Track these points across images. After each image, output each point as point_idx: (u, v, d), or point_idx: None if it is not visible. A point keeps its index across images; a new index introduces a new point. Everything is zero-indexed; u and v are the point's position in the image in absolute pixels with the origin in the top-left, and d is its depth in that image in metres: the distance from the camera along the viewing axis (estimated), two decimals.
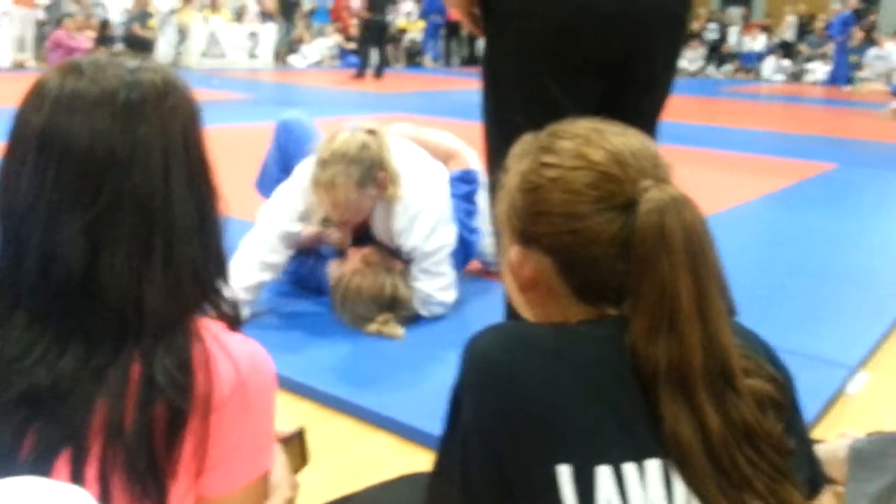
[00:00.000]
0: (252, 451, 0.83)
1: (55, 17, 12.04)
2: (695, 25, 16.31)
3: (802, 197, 4.82)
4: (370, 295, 2.44)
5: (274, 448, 0.90)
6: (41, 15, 12.22)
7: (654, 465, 0.76)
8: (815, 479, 0.90)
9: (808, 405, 2.04)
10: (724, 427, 0.77)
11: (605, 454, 0.75)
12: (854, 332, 2.59)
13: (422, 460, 1.72)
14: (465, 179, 2.84)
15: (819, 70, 15.56)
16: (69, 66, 0.80)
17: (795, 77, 15.95)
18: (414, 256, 2.52)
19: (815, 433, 1.96)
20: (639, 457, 0.76)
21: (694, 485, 0.76)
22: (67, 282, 0.76)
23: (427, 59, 16.48)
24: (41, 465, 0.73)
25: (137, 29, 12.67)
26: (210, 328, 0.82)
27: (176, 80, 0.83)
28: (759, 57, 16.68)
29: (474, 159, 2.85)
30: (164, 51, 12.77)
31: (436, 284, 2.54)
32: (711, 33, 17.16)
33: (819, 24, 16.18)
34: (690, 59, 16.55)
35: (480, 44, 1.73)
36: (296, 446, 1.10)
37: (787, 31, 17.02)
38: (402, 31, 16.43)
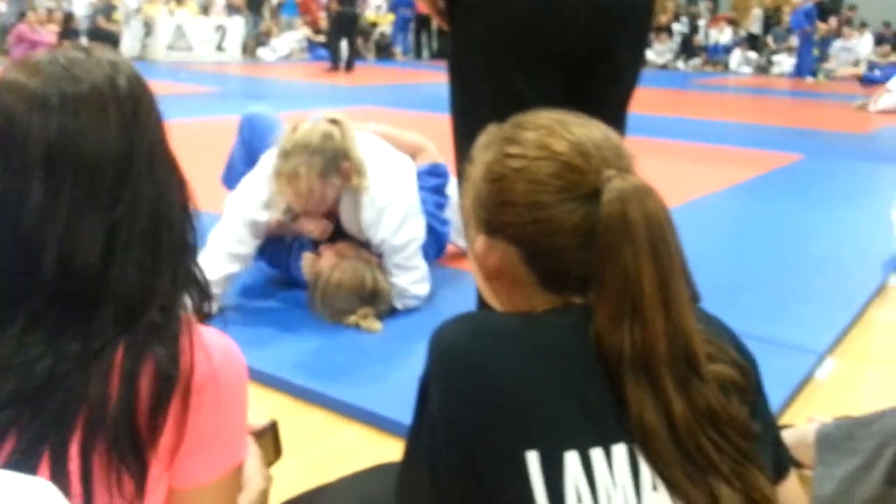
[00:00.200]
0: (225, 442, 0.84)
1: (17, 11, 11.84)
2: (663, 19, 16.41)
3: (769, 187, 4.87)
4: (351, 288, 2.43)
5: (247, 441, 0.90)
6: (3, 8, 12.01)
7: (620, 451, 0.77)
8: (781, 462, 0.91)
9: (777, 391, 2.10)
10: (688, 412, 0.78)
11: (572, 440, 0.76)
12: (821, 320, 2.63)
13: (395, 451, 1.70)
14: (433, 173, 2.84)
15: (785, 62, 15.73)
16: (38, 68, 0.79)
17: (762, 69, 16.11)
18: (383, 250, 2.52)
19: (784, 418, 1.99)
20: (605, 442, 0.77)
21: (659, 469, 0.77)
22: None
23: (398, 52, 16.45)
24: (29, 457, 0.73)
25: (102, 22, 12.51)
26: (188, 320, 0.84)
27: (134, 69, 0.85)
28: (727, 50, 16.84)
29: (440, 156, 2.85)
30: (129, 44, 12.62)
31: (410, 278, 2.54)
32: (682, 27, 17.29)
33: (785, 16, 16.36)
34: (659, 52, 16.67)
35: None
36: (269, 439, 1.10)
37: (754, 24, 17.20)
38: (373, 25, 16.39)
